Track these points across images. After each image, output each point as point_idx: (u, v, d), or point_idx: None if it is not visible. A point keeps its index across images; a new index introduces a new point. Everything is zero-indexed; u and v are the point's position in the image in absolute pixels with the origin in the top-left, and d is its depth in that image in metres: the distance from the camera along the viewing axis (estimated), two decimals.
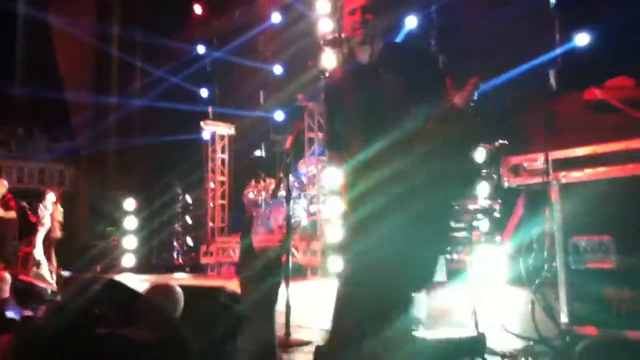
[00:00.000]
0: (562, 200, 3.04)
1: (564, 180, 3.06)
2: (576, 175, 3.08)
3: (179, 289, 3.42)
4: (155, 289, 3.49)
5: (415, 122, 2.57)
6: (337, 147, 2.83)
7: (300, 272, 7.78)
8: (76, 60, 11.96)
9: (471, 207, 6.77)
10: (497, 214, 6.48)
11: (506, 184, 3.38)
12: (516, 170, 3.35)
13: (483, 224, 6.45)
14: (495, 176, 6.54)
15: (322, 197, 8.47)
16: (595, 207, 2.91)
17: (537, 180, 3.26)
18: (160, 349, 3.37)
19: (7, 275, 4.63)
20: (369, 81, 2.63)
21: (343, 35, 3.14)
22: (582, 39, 7.10)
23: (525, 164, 3.33)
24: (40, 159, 12.91)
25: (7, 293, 4.46)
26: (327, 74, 7.82)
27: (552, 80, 7.20)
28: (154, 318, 3.63)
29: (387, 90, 2.58)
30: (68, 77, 11.99)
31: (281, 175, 8.68)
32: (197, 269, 9.96)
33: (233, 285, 4.49)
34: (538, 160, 3.29)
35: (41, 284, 5.80)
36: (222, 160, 11.18)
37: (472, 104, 2.59)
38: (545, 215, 3.32)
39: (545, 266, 3.19)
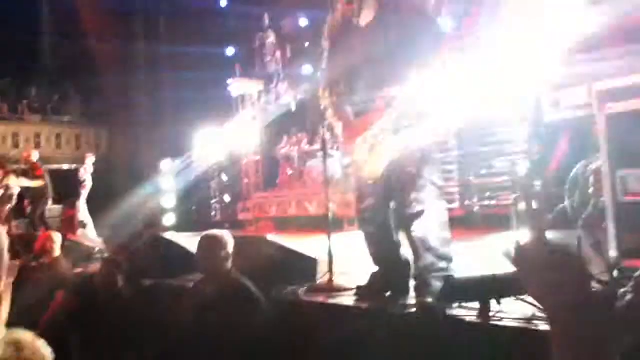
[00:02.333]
0: (608, 133, 2.94)
1: (609, 112, 2.96)
2: (621, 106, 2.96)
3: (229, 238, 3.50)
4: (204, 239, 3.58)
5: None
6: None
7: (337, 224, 7.82)
8: (103, 17, 11.95)
9: (509, 150, 6.67)
10: (536, 157, 6.35)
11: (548, 120, 3.30)
12: (557, 105, 3.26)
13: (522, 167, 6.32)
14: (531, 117, 6.38)
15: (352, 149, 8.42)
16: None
17: (580, 113, 3.17)
18: (211, 295, 3.48)
19: (57, 235, 4.79)
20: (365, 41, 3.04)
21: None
22: None
23: (566, 98, 3.23)
24: (76, 123, 13.15)
25: (57, 252, 4.61)
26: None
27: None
28: (204, 267, 3.74)
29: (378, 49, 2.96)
30: (95, 35, 12.01)
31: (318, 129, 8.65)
32: (235, 225, 10.12)
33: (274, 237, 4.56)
34: (580, 93, 3.19)
35: (88, 243, 5.99)
36: (253, 117, 11.17)
37: None
38: (589, 150, 3.24)
39: (592, 201, 3.13)
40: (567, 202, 3.24)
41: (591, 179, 3.12)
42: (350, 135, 3.30)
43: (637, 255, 2.70)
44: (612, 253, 2.80)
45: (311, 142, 9.48)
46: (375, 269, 3.42)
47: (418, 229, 3.10)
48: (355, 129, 3.25)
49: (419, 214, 3.08)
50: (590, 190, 3.11)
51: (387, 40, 3.03)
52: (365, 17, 3.12)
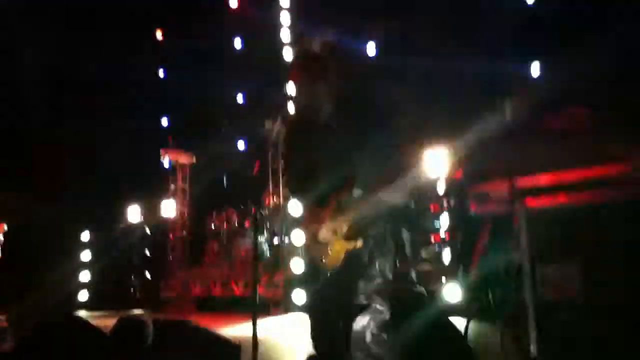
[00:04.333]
0: (528, 228, 3.09)
1: (529, 207, 3.12)
2: (541, 202, 3.15)
3: (148, 321, 3.34)
4: (122, 322, 3.40)
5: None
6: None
7: (263, 307, 7.64)
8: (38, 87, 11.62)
9: (434, 239, 6.86)
10: (457, 245, 6.57)
11: (472, 213, 3.44)
12: (482, 199, 3.42)
13: (445, 255, 6.51)
14: (454, 207, 6.64)
15: (284, 228, 8.41)
16: (560, 235, 2.98)
17: (503, 208, 3.33)
18: None
19: None
20: (320, 138, 3.17)
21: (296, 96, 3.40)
22: (533, 68, 7.33)
23: (491, 192, 3.39)
24: None
25: None
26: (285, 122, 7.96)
27: (507, 110, 7.39)
28: (117, 352, 3.53)
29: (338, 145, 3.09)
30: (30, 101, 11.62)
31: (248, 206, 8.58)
32: (156, 303, 9.66)
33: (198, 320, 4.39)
34: (503, 189, 3.36)
35: None
36: (183, 190, 11.00)
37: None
38: (510, 244, 3.37)
39: (512, 295, 3.22)
40: (489, 295, 3.33)
41: (513, 273, 3.23)
42: (309, 222, 3.30)
43: (552, 354, 2.78)
44: (533, 351, 2.86)
45: (242, 220, 9.39)
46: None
47: (358, 324, 3.04)
48: (313, 218, 3.25)
49: (365, 307, 3.04)
50: (513, 284, 3.22)
51: (344, 138, 3.12)
52: (323, 116, 3.21)
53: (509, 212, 3.29)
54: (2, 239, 8.34)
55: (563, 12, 6.59)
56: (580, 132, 3.48)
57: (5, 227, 8.49)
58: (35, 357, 3.79)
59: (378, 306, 3.09)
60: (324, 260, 3.25)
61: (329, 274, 3.22)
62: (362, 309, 3.07)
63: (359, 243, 3.15)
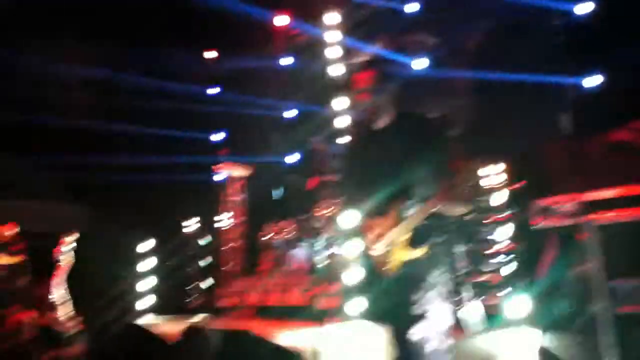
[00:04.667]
0: (597, 242, 3.02)
1: (597, 222, 3.05)
2: (608, 216, 3.06)
3: (212, 331, 3.41)
4: (187, 332, 3.48)
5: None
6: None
7: (318, 316, 7.68)
8: (88, 99, 12.12)
9: (493, 250, 6.71)
10: (520, 257, 6.41)
11: (536, 226, 3.37)
12: (546, 212, 3.34)
13: (507, 267, 6.37)
14: (516, 218, 6.51)
15: (338, 239, 8.43)
16: (630, 249, 2.89)
17: (568, 222, 3.25)
18: None
19: (28, 318, 4.62)
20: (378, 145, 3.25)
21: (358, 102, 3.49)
22: (594, 80, 7.12)
23: (555, 206, 3.32)
24: (54, 200, 12.95)
25: (28, 334, 4.43)
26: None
27: (565, 124, 7.21)
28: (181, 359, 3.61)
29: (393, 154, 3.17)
30: (81, 114, 12.13)
31: (302, 217, 8.73)
32: (214, 312, 9.85)
33: (255, 328, 4.45)
34: (568, 202, 3.28)
35: (59, 326, 5.76)
36: (237, 202, 11.19)
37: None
38: (576, 258, 3.29)
39: (581, 311, 3.14)
40: (559, 308, 3.25)
41: (582, 286, 3.15)
42: (367, 231, 3.39)
43: None
44: None
45: (295, 231, 9.48)
46: None
47: (418, 332, 3.03)
48: (371, 227, 3.34)
49: (421, 316, 3.03)
50: (583, 298, 3.13)
51: (402, 144, 3.18)
52: (383, 122, 3.27)
53: (574, 225, 3.22)
54: (69, 248, 8.70)
55: (627, 19, 6.41)
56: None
57: (73, 238, 8.87)
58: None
59: (431, 314, 3.05)
60: (382, 270, 3.28)
61: (385, 284, 3.25)
62: (419, 319, 3.05)
63: (418, 253, 3.13)
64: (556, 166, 3.99)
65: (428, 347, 2.94)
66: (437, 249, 3.14)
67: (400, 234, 3.12)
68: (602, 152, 3.76)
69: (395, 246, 3.16)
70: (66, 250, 8.76)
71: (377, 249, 3.22)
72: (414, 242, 3.13)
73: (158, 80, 12.18)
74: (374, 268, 3.37)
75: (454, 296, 6.36)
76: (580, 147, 3.92)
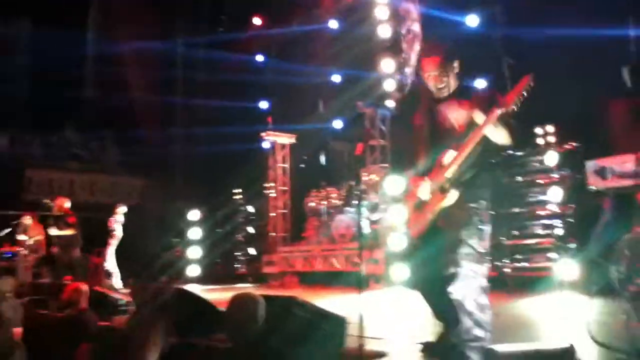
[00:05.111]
0: None
1: None
2: None
3: (260, 299, 3.41)
4: (236, 300, 3.50)
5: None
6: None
7: (364, 282, 7.68)
8: (143, 72, 12.30)
9: (543, 212, 6.52)
10: (571, 219, 6.21)
11: (592, 188, 3.20)
12: (603, 173, 3.17)
13: (557, 229, 6.18)
14: (568, 180, 6.27)
15: (383, 205, 8.35)
16: None
17: (626, 183, 3.07)
18: (232, 356, 3.37)
19: (84, 287, 4.75)
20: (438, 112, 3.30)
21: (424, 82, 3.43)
22: None
23: (613, 167, 3.14)
24: (111, 173, 13.36)
25: (84, 304, 4.57)
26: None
27: (627, 78, 6.81)
28: (231, 329, 3.65)
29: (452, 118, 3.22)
30: (136, 88, 12.37)
31: (351, 183, 8.66)
32: (259, 278, 10.02)
33: (301, 295, 4.46)
34: (628, 162, 3.09)
35: (114, 294, 5.95)
36: (283, 170, 11.23)
37: (519, 103, 2.92)
38: (633, 221, 3.12)
39: (635, 276, 2.98)
40: (613, 272, 3.10)
41: (638, 250, 2.99)
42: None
43: None
44: None
45: (340, 197, 9.45)
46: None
47: (456, 291, 3.01)
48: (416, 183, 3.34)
49: (454, 275, 3.01)
50: (637, 262, 2.98)
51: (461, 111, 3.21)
52: (446, 91, 3.29)
53: (633, 186, 3.04)
54: (123, 219, 8.96)
55: None
56: None
57: (126, 208, 9.11)
58: (154, 329, 3.98)
59: (470, 271, 3.01)
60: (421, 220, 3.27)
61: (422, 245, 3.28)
62: (452, 277, 3.03)
63: (454, 195, 3.15)
64: (617, 125, 3.76)
65: (467, 305, 2.94)
66: (473, 199, 3.16)
67: (440, 179, 3.15)
68: None
69: (434, 191, 3.19)
70: (118, 221, 9.01)
71: (423, 192, 3.25)
72: (450, 184, 3.13)
73: (205, 50, 12.25)
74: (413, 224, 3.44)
75: (490, 257, 6.25)
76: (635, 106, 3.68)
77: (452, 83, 3.30)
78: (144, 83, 12.07)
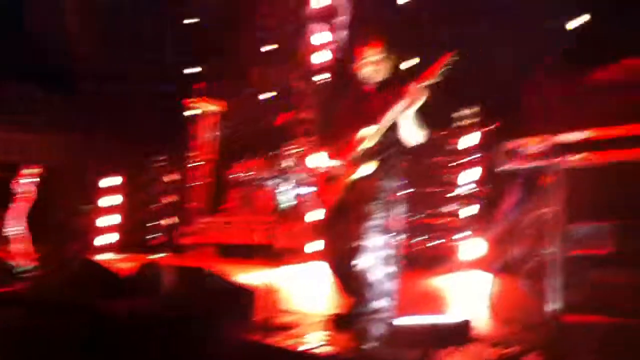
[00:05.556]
0: (562, 185, 2.95)
1: (564, 165, 2.97)
2: (579, 159, 2.97)
3: (167, 267, 3.35)
4: (143, 266, 3.42)
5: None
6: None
7: (280, 256, 7.67)
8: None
9: (456, 193, 6.72)
10: (481, 200, 6.43)
11: (501, 168, 3.28)
12: (513, 154, 3.24)
13: (470, 209, 6.39)
14: (483, 161, 6.48)
15: (306, 178, 8.34)
16: (594, 192, 2.83)
17: (535, 164, 3.16)
18: (139, 322, 3.28)
19: None
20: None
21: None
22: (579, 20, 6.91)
23: (522, 148, 3.21)
24: (18, 130, 12.50)
25: None
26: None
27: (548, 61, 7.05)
28: (136, 295, 3.55)
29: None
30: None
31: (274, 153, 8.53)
32: (175, 249, 9.79)
33: (217, 267, 4.38)
34: (539, 143, 3.17)
35: (12, 260, 5.62)
36: (209, 139, 10.96)
37: (437, 79, 3.02)
38: (538, 201, 3.24)
39: (535, 252, 3.11)
40: (515, 250, 3.22)
41: (539, 230, 3.11)
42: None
43: (579, 311, 2.68)
44: (555, 306, 2.77)
45: (262, 169, 9.34)
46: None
47: (361, 263, 3.08)
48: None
49: (360, 247, 3.08)
50: (538, 241, 3.10)
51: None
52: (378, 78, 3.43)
53: (541, 168, 3.14)
54: (38, 180, 8.46)
55: None
56: (633, 85, 3.25)
57: (39, 169, 8.60)
58: (54, 297, 3.83)
59: (376, 244, 3.13)
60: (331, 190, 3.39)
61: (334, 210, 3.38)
62: (357, 250, 3.13)
63: (365, 169, 3.26)
64: (529, 106, 3.87)
65: (372, 276, 3.04)
66: (384, 176, 3.24)
67: (363, 145, 3.25)
68: (581, 91, 3.63)
69: (347, 163, 3.26)
70: (26, 182, 8.50)
71: (334, 164, 3.32)
72: (364, 157, 3.25)
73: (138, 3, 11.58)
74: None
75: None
76: (556, 86, 3.80)
77: (384, 72, 3.39)
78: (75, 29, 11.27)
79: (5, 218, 7.97)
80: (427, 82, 3.06)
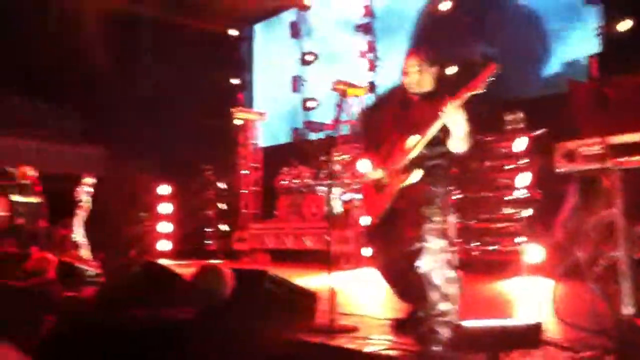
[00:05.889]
0: (622, 187, 2.93)
1: (623, 166, 2.95)
2: (635, 160, 2.95)
3: (227, 271, 3.41)
4: (203, 270, 3.49)
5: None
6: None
7: (334, 261, 7.72)
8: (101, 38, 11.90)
9: (511, 197, 6.66)
10: (538, 204, 6.36)
11: (560, 170, 3.26)
12: (571, 156, 3.22)
13: (525, 214, 6.32)
14: (536, 165, 6.41)
15: (355, 184, 8.39)
16: None
17: (594, 165, 3.13)
18: (203, 329, 3.37)
19: (51, 256, 4.67)
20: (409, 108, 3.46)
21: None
22: (624, 25, 6.82)
23: (580, 149, 3.20)
24: (72, 142, 13.01)
25: (51, 274, 4.50)
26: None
27: (592, 67, 6.99)
28: (197, 299, 3.64)
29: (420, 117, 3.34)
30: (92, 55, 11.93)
31: (323, 159, 8.64)
32: (230, 255, 9.99)
33: (271, 271, 4.47)
34: (594, 145, 3.15)
35: (82, 265, 5.86)
36: (254, 147, 11.18)
37: (483, 90, 3.03)
38: (600, 203, 3.21)
39: (603, 256, 3.08)
40: (578, 254, 3.19)
41: (603, 232, 3.08)
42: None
43: None
44: (625, 310, 2.75)
45: (313, 176, 9.45)
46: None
47: (422, 265, 3.09)
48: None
49: (420, 250, 3.07)
50: (601, 244, 3.08)
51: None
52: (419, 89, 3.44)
53: (599, 170, 3.11)
54: (91, 190, 8.79)
55: None
56: None
57: (94, 179, 8.93)
58: (118, 302, 3.96)
59: (436, 246, 3.13)
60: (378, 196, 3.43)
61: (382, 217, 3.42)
62: (418, 252, 3.12)
63: (416, 176, 3.28)
64: (582, 108, 3.84)
65: (434, 279, 3.06)
66: (435, 183, 3.28)
67: (413, 153, 3.28)
68: (631, 93, 3.59)
69: (396, 170, 3.30)
70: (85, 191, 8.84)
71: (383, 175, 3.37)
72: (410, 165, 3.28)
73: (176, 15, 11.91)
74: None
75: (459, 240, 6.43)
76: (608, 89, 3.75)
77: (427, 83, 3.40)
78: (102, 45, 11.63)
79: (70, 226, 8.33)
80: (471, 94, 3.09)
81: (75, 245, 8.18)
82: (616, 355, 2.40)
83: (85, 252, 8.10)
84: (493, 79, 3.04)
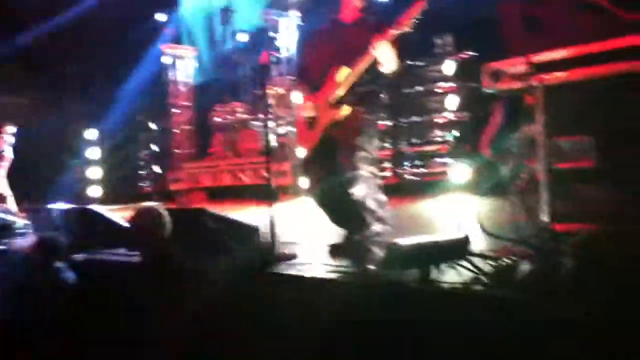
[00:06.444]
0: (545, 103, 3.06)
1: (546, 83, 3.07)
2: (558, 77, 3.07)
3: (164, 211, 3.39)
4: (140, 212, 3.45)
5: None
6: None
7: (273, 194, 7.76)
8: None
9: (440, 120, 6.85)
10: (465, 126, 6.58)
11: (486, 90, 3.36)
12: (497, 76, 3.32)
13: (453, 135, 6.54)
14: (464, 88, 6.58)
15: (290, 118, 8.36)
16: (576, 109, 2.95)
17: (519, 84, 3.24)
18: (148, 269, 3.38)
19: None
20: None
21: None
22: None
23: (506, 69, 3.29)
24: None
25: None
26: None
27: None
28: (136, 242, 3.62)
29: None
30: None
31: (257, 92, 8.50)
32: (166, 196, 9.86)
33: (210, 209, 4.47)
34: (519, 65, 3.25)
35: (9, 217, 5.66)
36: (186, 85, 10.84)
37: (412, 25, 3.14)
38: (523, 121, 3.35)
39: (524, 169, 3.24)
40: (502, 170, 3.37)
41: (525, 148, 3.24)
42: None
43: (567, 220, 2.86)
44: (545, 218, 2.94)
45: (247, 111, 9.33)
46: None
47: (356, 192, 3.21)
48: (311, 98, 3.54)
49: (353, 178, 3.18)
50: (524, 159, 3.24)
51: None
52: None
53: (523, 88, 3.23)
54: (12, 140, 8.36)
55: None
56: (600, 3, 3.31)
57: (14, 129, 8.48)
58: (54, 250, 3.87)
59: (368, 173, 3.30)
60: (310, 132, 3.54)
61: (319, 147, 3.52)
62: (353, 180, 3.28)
63: (346, 111, 3.38)
64: (509, 28, 3.92)
65: (368, 203, 3.23)
66: (368, 111, 3.35)
67: (343, 88, 3.33)
68: (560, 12, 3.67)
69: (328, 104, 3.33)
70: (6, 141, 8.40)
71: (307, 108, 3.42)
72: (345, 98, 3.34)
73: None
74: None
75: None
76: (536, 7, 3.84)
77: (359, 4, 3.44)
78: None
79: None
80: (399, 32, 3.13)
81: (2, 198, 7.84)
82: (532, 259, 2.60)
83: (10, 204, 7.80)
84: (421, 17, 3.10)
